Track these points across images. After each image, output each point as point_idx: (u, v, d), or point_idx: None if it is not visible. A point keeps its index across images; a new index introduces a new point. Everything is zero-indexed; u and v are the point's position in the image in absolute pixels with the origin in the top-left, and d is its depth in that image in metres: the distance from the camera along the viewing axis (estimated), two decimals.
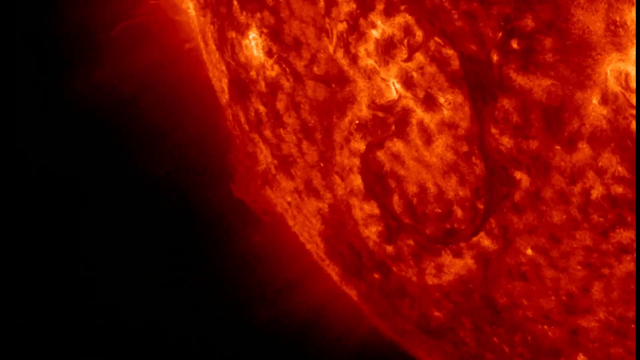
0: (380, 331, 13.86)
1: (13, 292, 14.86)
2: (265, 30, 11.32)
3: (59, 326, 15.23)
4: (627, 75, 8.72)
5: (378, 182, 10.96)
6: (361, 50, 10.29)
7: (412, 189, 10.71)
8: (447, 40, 9.49)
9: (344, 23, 10.27)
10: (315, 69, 10.96)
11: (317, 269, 14.17)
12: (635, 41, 8.59)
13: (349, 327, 14.46)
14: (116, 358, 15.50)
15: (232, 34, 12.00)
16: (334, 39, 10.47)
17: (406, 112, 10.26)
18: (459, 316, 11.83)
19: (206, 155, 14.49)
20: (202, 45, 13.90)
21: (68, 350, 15.27)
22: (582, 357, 10.97)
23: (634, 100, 8.87)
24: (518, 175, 9.83)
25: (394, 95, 10.32)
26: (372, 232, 11.82)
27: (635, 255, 9.88)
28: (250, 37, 11.67)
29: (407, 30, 9.75)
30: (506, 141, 9.68)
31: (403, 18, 9.73)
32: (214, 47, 13.00)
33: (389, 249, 11.75)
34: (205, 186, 14.68)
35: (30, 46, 14.34)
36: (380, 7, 9.84)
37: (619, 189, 9.35)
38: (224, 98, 13.55)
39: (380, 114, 10.56)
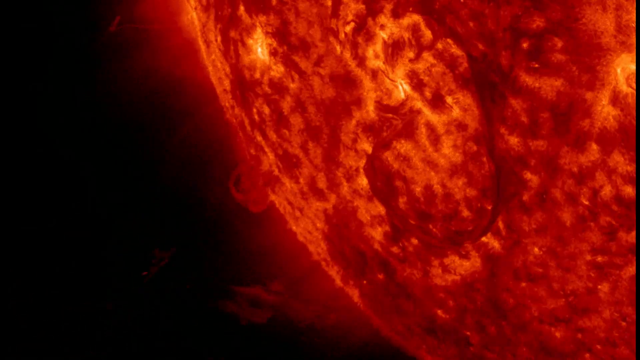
0: (383, 331, 13.85)
1: (16, 291, 14.83)
2: (270, 31, 11.29)
3: (59, 325, 15.18)
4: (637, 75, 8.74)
5: (384, 183, 10.95)
6: (369, 51, 10.28)
7: (419, 189, 10.70)
8: (455, 41, 9.49)
9: (352, 24, 10.25)
10: (321, 70, 10.94)
11: (319, 269, 14.15)
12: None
13: (350, 327, 14.44)
14: (116, 357, 15.45)
15: (236, 35, 11.97)
16: (341, 40, 10.45)
17: (414, 113, 10.26)
18: (463, 317, 11.83)
19: (208, 156, 14.46)
20: (203, 46, 13.87)
21: (68, 350, 15.22)
22: (588, 357, 10.98)
23: None
24: (526, 175, 9.84)
25: (401, 96, 10.31)
26: (377, 232, 11.80)
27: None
28: (255, 37, 11.64)
29: (416, 31, 9.74)
30: (515, 141, 9.68)
31: (411, 18, 9.72)
32: (216, 48, 12.97)
33: (395, 249, 11.74)
34: (207, 186, 14.65)
35: (31, 46, 14.29)
36: (388, 7, 9.83)
37: (628, 190, 9.36)
38: (227, 99, 13.52)
39: (388, 115, 10.55)
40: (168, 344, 15.75)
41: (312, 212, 12.79)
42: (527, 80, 9.22)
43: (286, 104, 11.72)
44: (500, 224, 10.39)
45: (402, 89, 10.23)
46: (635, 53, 8.69)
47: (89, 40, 14.83)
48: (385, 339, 13.93)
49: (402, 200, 10.90)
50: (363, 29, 10.18)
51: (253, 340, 15.54)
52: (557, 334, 11.01)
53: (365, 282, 12.81)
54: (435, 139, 10.23)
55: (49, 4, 14.65)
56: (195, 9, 13.78)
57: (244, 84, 12.29)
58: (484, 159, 9.95)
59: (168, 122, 14.91)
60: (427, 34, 9.70)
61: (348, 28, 10.31)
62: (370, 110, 10.73)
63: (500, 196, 10.05)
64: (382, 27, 9.98)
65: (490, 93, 9.45)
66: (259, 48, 11.69)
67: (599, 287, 10.30)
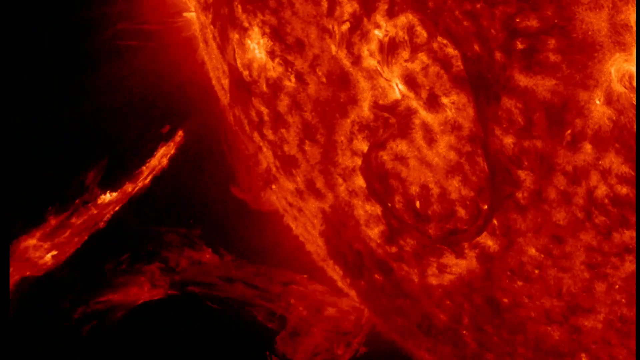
0: (381, 331, 13.84)
1: (16, 290, 14.86)
2: (267, 31, 11.30)
3: (59, 325, 15.21)
4: (631, 75, 8.70)
5: (380, 183, 10.95)
6: (364, 51, 10.28)
7: (414, 189, 10.70)
8: (450, 41, 9.49)
9: (347, 23, 10.26)
10: (317, 69, 10.95)
11: (318, 269, 14.15)
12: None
13: (350, 327, 14.44)
14: (116, 357, 15.48)
15: (234, 35, 11.98)
16: (337, 39, 10.46)
17: (409, 113, 10.26)
18: (460, 316, 11.82)
19: (207, 155, 14.47)
20: (202, 45, 13.88)
21: (68, 350, 15.25)
22: (584, 357, 10.97)
23: None
24: (521, 175, 9.83)
25: (397, 95, 10.31)
26: (374, 232, 11.80)
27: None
28: (252, 37, 11.65)
29: (411, 31, 9.74)
30: (509, 141, 9.67)
31: (406, 18, 9.72)
32: (215, 47, 12.98)
33: (391, 249, 11.74)
34: (207, 186, 14.66)
35: (29, 46, 14.31)
36: (383, 7, 9.83)
37: (622, 189, 9.34)
38: (225, 99, 13.53)
39: (383, 114, 10.55)
40: (168, 344, 15.76)
41: (310, 212, 12.80)
42: (521, 80, 9.21)
43: (283, 103, 11.73)
44: (496, 224, 10.38)
45: (397, 89, 10.23)
46: (630, 53, 8.67)
47: (88, 40, 14.85)
48: (385, 338, 13.93)
49: (398, 200, 10.90)
50: (358, 29, 10.19)
51: (253, 340, 15.55)
52: (554, 334, 10.99)
53: (363, 281, 12.82)
54: (430, 139, 10.23)
55: (48, 4, 14.68)
56: (195, 9, 13.80)
57: (242, 84, 12.30)
58: (479, 159, 9.95)
59: (167, 122, 14.93)
60: (422, 34, 9.70)
61: (344, 27, 10.31)
62: (365, 110, 10.73)
63: (495, 196, 10.04)
64: (378, 26, 9.99)
65: (484, 93, 9.45)
66: (257, 48, 11.70)
67: (595, 286, 10.28)
